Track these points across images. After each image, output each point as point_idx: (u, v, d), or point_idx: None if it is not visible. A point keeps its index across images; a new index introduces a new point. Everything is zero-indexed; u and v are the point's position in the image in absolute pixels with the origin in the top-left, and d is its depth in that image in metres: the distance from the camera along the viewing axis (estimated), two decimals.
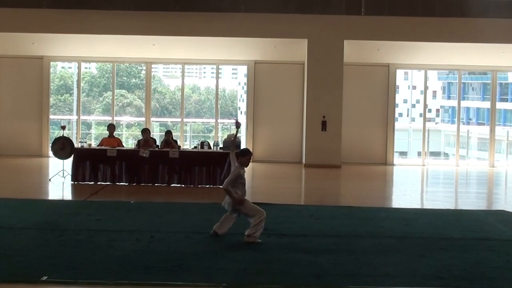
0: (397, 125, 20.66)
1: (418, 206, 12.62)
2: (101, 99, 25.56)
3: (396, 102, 20.39)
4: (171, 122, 23.46)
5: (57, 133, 19.13)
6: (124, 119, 24.03)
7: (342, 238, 9.02)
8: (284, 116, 19.44)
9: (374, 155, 19.54)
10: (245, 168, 8.83)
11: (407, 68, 22.64)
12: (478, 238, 9.21)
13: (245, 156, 8.80)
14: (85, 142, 15.18)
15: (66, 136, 15.01)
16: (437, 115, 35.31)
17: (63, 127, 15.19)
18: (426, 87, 21.06)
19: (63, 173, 14.63)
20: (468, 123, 30.91)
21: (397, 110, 23.13)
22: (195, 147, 15.01)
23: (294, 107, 19.26)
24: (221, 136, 19.35)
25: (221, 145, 14.52)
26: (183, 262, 7.51)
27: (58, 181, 14.36)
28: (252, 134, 19.49)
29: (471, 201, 13.48)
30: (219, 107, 20.83)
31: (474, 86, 33.94)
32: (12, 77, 19.63)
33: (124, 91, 25.55)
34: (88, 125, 23.23)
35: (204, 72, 30.70)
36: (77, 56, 19.91)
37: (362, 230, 9.58)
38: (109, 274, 6.98)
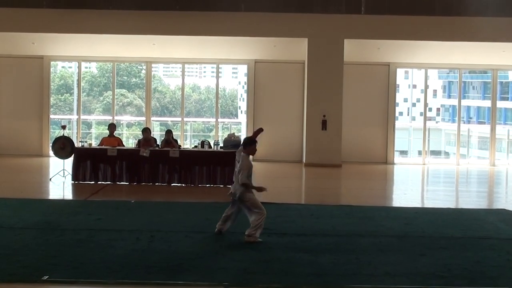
0: (398, 124, 20.66)
1: (419, 205, 12.62)
2: (101, 98, 25.58)
3: (397, 101, 20.39)
4: (171, 121, 23.46)
5: (57, 132, 19.14)
6: (125, 118, 24.05)
7: (343, 237, 9.01)
8: (284, 115, 19.44)
9: (375, 154, 19.54)
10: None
11: (408, 67, 22.67)
12: (478, 237, 9.21)
13: (252, 145, 8.75)
14: (86, 142, 15.20)
15: (67, 135, 15.02)
16: (438, 114, 35.32)
17: (64, 127, 15.19)
18: (426, 86, 21.06)
19: (64, 172, 14.63)
20: (469, 122, 30.90)
21: (398, 109, 23.12)
22: (196, 147, 15.01)
23: (294, 106, 19.26)
24: (222, 136, 19.35)
25: (221, 145, 14.53)
26: (183, 262, 7.51)
27: (59, 180, 14.36)
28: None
29: (471, 200, 13.48)
30: (219, 106, 20.83)
31: (475, 85, 33.94)
32: (12, 77, 19.65)
33: (124, 90, 25.57)
34: (88, 125, 23.24)
35: (204, 72, 30.72)
36: (77, 55, 19.92)
37: (362, 229, 9.58)
38: (109, 273, 6.98)
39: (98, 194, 12.79)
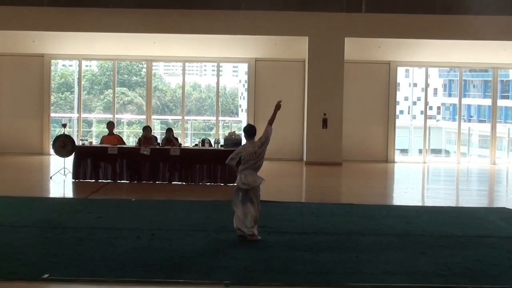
0: (398, 122, 20.65)
1: (419, 204, 12.62)
2: (102, 97, 25.59)
3: (397, 99, 20.37)
4: (172, 119, 23.47)
5: (58, 131, 19.15)
6: (125, 117, 24.06)
7: (343, 236, 9.02)
8: (285, 114, 19.14)
9: (375, 153, 19.53)
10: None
11: (408, 66, 22.64)
12: (479, 236, 9.21)
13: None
14: (86, 140, 15.20)
15: (67, 134, 15.03)
16: (438, 113, 35.32)
17: (64, 125, 15.21)
18: (427, 85, 21.05)
19: (64, 171, 14.64)
20: (469, 121, 30.91)
21: (398, 108, 23.11)
22: (196, 145, 15.01)
23: (295, 105, 19.23)
24: (222, 134, 19.35)
25: (222, 143, 14.53)
26: (184, 260, 7.51)
27: (59, 179, 14.37)
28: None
29: (472, 199, 13.48)
30: (220, 104, 20.83)
31: (475, 84, 33.95)
32: (13, 75, 19.64)
33: (125, 89, 25.57)
34: (89, 123, 23.24)
35: (205, 70, 30.73)
36: (77, 54, 19.92)
37: (362, 227, 9.58)
38: (110, 271, 6.98)
39: (98, 192, 12.79)
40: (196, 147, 14.71)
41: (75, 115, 21.25)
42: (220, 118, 20.85)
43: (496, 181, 17.02)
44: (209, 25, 17.78)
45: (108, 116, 20.86)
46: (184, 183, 13.99)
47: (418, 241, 8.75)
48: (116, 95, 21.05)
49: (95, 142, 15.94)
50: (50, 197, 12.61)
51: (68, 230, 8.96)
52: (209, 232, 9.00)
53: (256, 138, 8.85)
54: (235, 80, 30.35)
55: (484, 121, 29.53)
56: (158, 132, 20.54)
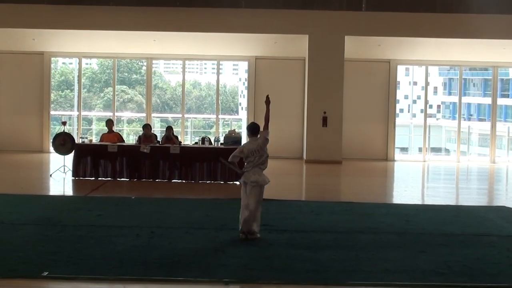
0: (398, 121, 20.64)
1: (419, 202, 12.62)
2: (102, 94, 25.59)
3: (397, 98, 20.37)
4: (172, 117, 23.48)
5: (58, 128, 19.14)
6: (125, 114, 24.07)
7: (343, 234, 9.02)
8: (285, 112, 19.41)
9: (375, 151, 19.54)
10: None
11: (408, 64, 22.65)
12: (478, 234, 9.21)
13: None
14: (86, 138, 15.20)
15: (67, 131, 15.02)
16: (438, 111, 35.34)
17: (64, 123, 15.20)
18: (427, 83, 21.05)
19: (64, 168, 14.64)
20: (469, 119, 30.92)
21: (398, 106, 23.10)
22: (196, 143, 15.01)
23: (295, 103, 19.24)
24: (222, 132, 19.35)
25: (222, 141, 14.53)
26: (183, 258, 7.52)
27: (59, 176, 14.37)
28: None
29: (471, 197, 13.48)
30: (220, 103, 20.84)
31: (475, 82, 33.95)
32: (12, 73, 19.64)
33: (125, 87, 25.58)
34: (89, 121, 23.25)
35: (205, 68, 30.74)
36: (77, 52, 19.90)
37: (362, 226, 9.58)
38: (109, 269, 6.99)
39: (98, 190, 12.79)
40: (196, 145, 14.71)
41: (75, 113, 21.26)
42: (220, 116, 20.85)
43: (496, 179, 17.02)
44: (209, 23, 17.78)
45: (108, 114, 20.88)
46: (184, 181, 14.00)
47: (417, 240, 8.75)
48: (116, 93, 21.06)
49: (95, 140, 15.94)
50: (50, 195, 12.62)
51: (67, 228, 8.96)
52: (208, 230, 9.00)
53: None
54: (235, 78, 30.35)
55: (484, 120, 29.55)
56: (158, 130, 20.57)
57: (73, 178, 14.08)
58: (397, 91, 20.26)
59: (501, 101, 24.77)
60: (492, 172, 18.08)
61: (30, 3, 17.89)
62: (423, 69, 20.64)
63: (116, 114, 20.51)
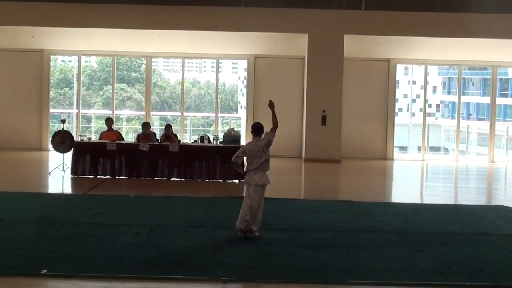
0: (397, 120, 20.65)
1: (418, 201, 12.63)
2: (101, 92, 25.56)
3: (396, 97, 20.37)
4: (171, 116, 23.46)
5: (57, 126, 19.13)
6: (124, 113, 24.04)
7: (342, 233, 9.02)
8: (284, 111, 19.21)
9: (374, 150, 19.53)
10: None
11: (407, 63, 22.63)
12: (477, 233, 9.22)
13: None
14: (85, 136, 15.19)
15: (66, 129, 15.01)
16: (437, 110, 35.31)
17: (63, 121, 15.19)
18: (426, 82, 21.04)
19: (63, 166, 14.63)
20: (468, 118, 30.89)
21: (397, 105, 23.12)
22: (195, 141, 15.01)
23: (294, 102, 19.23)
24: (221, 130, 19.34)
25: (221, 139, 14.52)
26: (182, 256, 7.52)
27: (58, 174, 14.37)
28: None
29: (470, 196, 13.49)
30: (219, 101, 20.82)
31: (474, 81, 33.93)
32: (12, 71, 19.61)
33: (124, 85, 25.55)
34: (88, 119, 23.23)
35: (204, 66, 30.69)
36: (77, 49, 19.88)
37: (361, 225, 9.59)
38: (108, 267, 6.99)
39: (97, 188, 12.79)
40: (195, 144, 14.70)
41: (74, 110, 21.23)
42: (219, 114, 20.84)
43: (495, 179, 17.03)
44: (208, 21, 17.77)
45: (107, 112, 20.85)
46: (183, 180, 13.99)
47: (416, 239, 8.76)
48: (115, 91, 21.03)
49: (94, 138, 15.93)
50: (48, 193, 12.60)
51: (66, 226, 8.96)
52: (207, 228, 9.00)
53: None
54: (235, 76, 30.30)
55: (483, 119, 29.50)
56: (157, 128, 20.55)
57: (72, 176, 14.08)
58: (396, 90, 20.25)
59: (500, 101, 24.73)
60: (491, 171, 18.09)
61: (29, 1, 17.88)
62: (423, 68, 20.63)
63: (115, 112, 20.48)
